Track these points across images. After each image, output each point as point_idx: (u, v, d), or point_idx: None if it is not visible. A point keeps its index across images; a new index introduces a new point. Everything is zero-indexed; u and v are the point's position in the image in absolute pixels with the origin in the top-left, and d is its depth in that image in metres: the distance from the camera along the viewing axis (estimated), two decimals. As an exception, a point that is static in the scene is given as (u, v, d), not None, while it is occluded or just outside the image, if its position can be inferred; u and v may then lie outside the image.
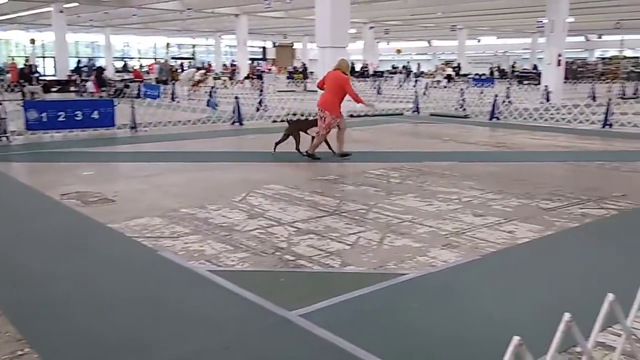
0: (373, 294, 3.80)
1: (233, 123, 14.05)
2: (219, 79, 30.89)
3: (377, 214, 5.83)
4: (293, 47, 51.92)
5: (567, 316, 1.82)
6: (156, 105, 15.62)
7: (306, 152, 9.10)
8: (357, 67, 35.44)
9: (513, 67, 42.04)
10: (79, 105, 12.47)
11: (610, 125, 13.62)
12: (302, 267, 4.32)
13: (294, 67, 39.53)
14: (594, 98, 21.49)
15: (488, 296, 3.83)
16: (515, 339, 1.68)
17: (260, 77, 31.14)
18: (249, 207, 6.07)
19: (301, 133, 9.30)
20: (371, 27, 36.80)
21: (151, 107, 14.37)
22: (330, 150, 9.25)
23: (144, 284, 4.07)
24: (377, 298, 3.75)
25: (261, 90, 19.88)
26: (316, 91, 16.73)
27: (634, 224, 5.66)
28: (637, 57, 43.22)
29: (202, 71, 28.72)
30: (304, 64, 39.53)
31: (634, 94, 24.97)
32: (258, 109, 16.17)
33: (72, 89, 23.94)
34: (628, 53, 44.50)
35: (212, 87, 20.73)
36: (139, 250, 4.75)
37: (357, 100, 9.21)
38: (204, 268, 4.27)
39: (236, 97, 14.40)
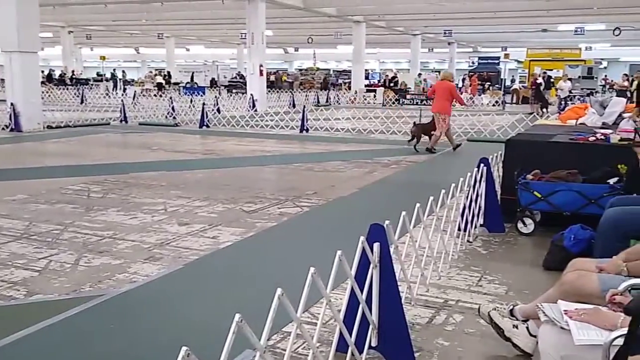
0: (63, 322, 3.46)
1: None
2: None
3: (74, 233, 5.37)
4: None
5: (237, 317, 1.86)
6: None
7: (426, 148, 11.35)
8: (50, 74, 32.53)
9: (240, 75, 43.13)
10: None
11: (307, 130, 15.05)
12: (-24, 305, 3.72)
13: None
14: (293, 105, 23.58)
15: (188, 305, 3.80)
16: (183, 349, 1.64)
17: None
18: None
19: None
20: (70, 32, 34.26)
21: None
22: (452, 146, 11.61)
23: None
24: (67, 326, 3.43)
25: None
26: (5, 101, 14.91)
27: (320, 218, 6.29)
28: (328, 69, 48.83)
29: None
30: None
31: (326, 101, 28.14)
32: None
33: None
34: (320, 65, 50.01)
35: None
36: None
37: (462, 103, 13.39)
38: None
39: None
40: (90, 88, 31.25)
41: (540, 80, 23.45)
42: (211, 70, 44.39)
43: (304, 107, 16.38)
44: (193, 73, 39.99)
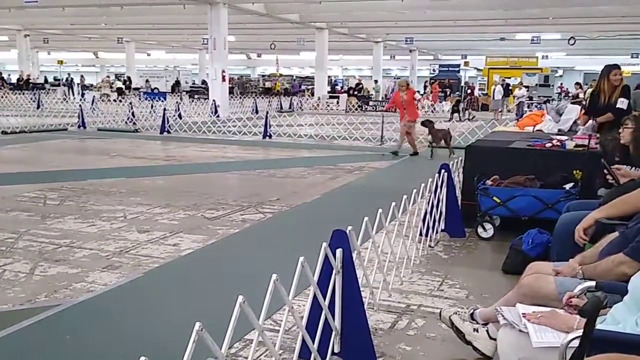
0: (16, 334, 3.35)
1: None
2: None
3: (29, 241, 5.21)
4: None
5: (197, 325, 1.83)
6: None
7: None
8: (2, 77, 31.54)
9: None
10: None
11: (270, 136, 15.00)
12: None
13: None
14: (256, 111, 23.49)
15: (147, 314, 3.73)
16: (142, 359, 1.61)
17: None
18: None
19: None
20: (27, 35, 33.40)
21: None
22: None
23: None
24: (21, 338, 3.32)
25: None
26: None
27: (283, 224, 6.26)
28: (291, 75, 48.85)
29: None
30: None
31: (290, 107, 28.12)
32: None
33: None
34: (284, 71, 49.99)
35: None
36: None
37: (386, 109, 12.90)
38: None
39: None
40: (47, 93, 30.45)
41: (470, 91, 23.85)
42: (172, 75, 43.82)
43: (267, 113, 16.33)
44: (177, 79, 39.30)
